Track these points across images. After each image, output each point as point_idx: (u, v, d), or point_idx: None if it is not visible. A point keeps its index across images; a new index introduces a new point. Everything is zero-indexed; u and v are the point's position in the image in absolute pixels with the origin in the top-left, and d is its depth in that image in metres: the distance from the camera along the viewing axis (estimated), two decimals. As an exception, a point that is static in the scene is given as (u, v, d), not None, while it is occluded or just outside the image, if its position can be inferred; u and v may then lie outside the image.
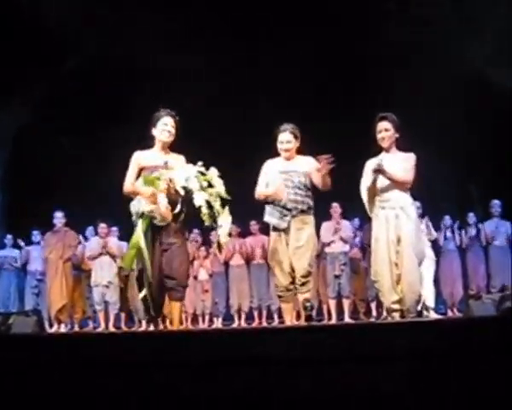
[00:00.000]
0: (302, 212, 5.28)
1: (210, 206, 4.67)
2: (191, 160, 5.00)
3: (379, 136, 5.34)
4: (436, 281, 9.00)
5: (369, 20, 9.88)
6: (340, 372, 3.51)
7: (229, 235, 5.22)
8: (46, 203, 9.62)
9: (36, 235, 9.74)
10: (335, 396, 3.45)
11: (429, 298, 8.49)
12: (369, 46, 9.97)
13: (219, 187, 4.75)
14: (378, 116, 5.37)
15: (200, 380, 3.66)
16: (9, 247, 10.00)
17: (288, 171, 5.32)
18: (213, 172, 4.73)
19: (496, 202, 9.68)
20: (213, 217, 4.72)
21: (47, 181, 10.50)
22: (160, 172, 4.68)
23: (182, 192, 4.64)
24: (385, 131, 5.31)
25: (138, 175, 4.89)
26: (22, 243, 9.81)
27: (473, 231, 9.68)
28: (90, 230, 9.89)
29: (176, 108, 5.12)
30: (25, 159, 10.43)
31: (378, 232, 5.26)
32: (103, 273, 9.17)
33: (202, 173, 4.71)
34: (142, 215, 4.72)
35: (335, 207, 9.16)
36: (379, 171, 5.16)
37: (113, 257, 9.26)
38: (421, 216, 8.42)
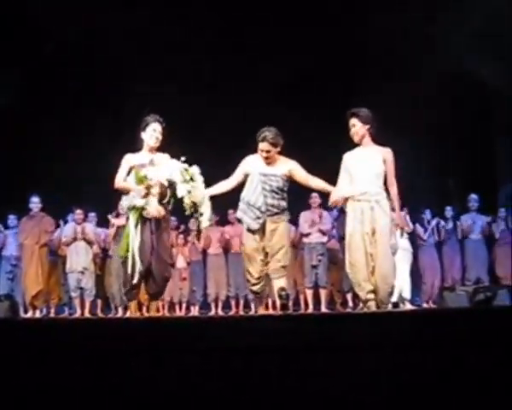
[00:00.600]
0: (276, 214, 5.49)
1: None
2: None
3: (350, 133, 5.48)
4: (413, 273, 9.05)
5: (355, 8, 9.87)
6: (314, 361, 3.53)
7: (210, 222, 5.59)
8: (22, 189, 9.52)
9: (12, 219, 9.60)
10: (309, 385, 3.47)
11: (405, 290, 8.54)
12: (355, 34, 9.98)
13: (200, 183, 5.21)
14: (347, 113, 5.49)
15: (174, 367, 3.66)
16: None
17: (267, 174, 5.51)
18: (195, 170, 5.20)
19: (473, 197, 9.77)
20: (194, 206, 5.20)
21: (23, 166, 10.40)
22: (147, 168, 5.23)
23: (166, 183, 5.18)
24: (353, 127, 5.44)
25: (128, 173, 5.40)
26: (1, 227, 9.72)
27: (450, 225, 9.78)
28: (71, 215, 9.82)
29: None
30: (1, 144, 10.30)
31: (353, 224, 5.32)
32: (79, 259, 9.10)
33: (185, 169, 5.16)
34: (133, 208, 5.22)
35: (315, 198, 9.17)
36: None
37: (89, 243, 9.20)
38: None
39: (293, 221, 9.25)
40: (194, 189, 5.13)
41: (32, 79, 10.27)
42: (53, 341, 3.51)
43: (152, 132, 5.42)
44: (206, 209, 5.20)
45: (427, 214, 9.78)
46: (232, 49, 10.25)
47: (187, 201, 5.12)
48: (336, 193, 5.41)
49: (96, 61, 10.24)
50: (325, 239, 9.19)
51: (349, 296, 9.05)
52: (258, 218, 5.40)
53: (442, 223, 9.78)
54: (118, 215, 8.97)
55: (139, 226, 5.18)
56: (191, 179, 5.14)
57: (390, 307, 5.43)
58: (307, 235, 9.11)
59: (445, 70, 9.88)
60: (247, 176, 5.58)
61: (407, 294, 8.52)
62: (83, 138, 10.28)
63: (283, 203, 5.52)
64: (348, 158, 5.46)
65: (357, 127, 5.40)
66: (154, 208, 5.17)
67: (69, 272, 9.13)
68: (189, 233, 9.75)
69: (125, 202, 5.30)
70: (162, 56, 10.19)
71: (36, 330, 3.73)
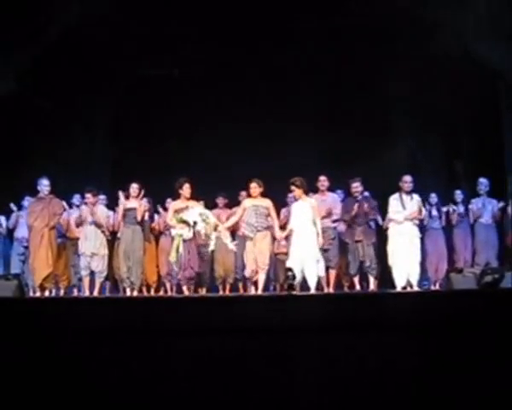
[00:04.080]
0: (264, 228, 8.37)
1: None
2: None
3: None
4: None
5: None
6: (318, 340, 3.53)
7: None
8: (30, 171, 9.55)
9: (28, 200, 9.58)
10: (315, 362, 3.48)
11: (413, 275, 8.53)
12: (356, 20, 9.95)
13: (211, 222, 8.04)
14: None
15: (181, 345, 3.68)
16: (-6, 213, 9.94)
17: (256, 205, 8.43)
18: (211, 219, 8.08)
19: (482, 181, 9.73)
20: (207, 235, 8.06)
21: (33, 149, 10.46)
22: (183, 212, 8.14)
23: (191, 223, 8.01)
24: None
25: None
26: (15, 208, 9.74)
27: (461, 208, 9.77)
28: (77, 197, 9.84)
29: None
30: (10, 127, 10.33)
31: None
32: (88, 243, 9.14)
33: (201, 213, 8.06)
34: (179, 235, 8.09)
35: (323, 181, 9.17)
36: None
37: (99, 226, 9.23)
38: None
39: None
40: (207, 225, 7.96)
41: (38, 62, 10.28)
42: (59, 318, 3.53)
43: (187, 189, 8.39)
44: (213, 238, 8.00)
45: (433, 198, 9.76)
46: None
47: (203, 231, 7.96)
48: None
49: (106, 43, 10.26)
50: (336, 223, 9.20)
51: (356, 279, 9.05)
52: (252, 231, 8.44)
53: (453, 207, 9.76)
54: (127, 197, 9.02)
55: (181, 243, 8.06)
56: (206, 218, 8.02)
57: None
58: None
59: (455, 54, 9.83)
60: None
61: (414, 279, 8.51)
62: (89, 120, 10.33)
63: (267, 223, 8.45)
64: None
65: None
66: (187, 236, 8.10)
67: (80, 254, 9.20)
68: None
69: (173, 231, 8.20)
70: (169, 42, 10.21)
71: (43, 308, 3.75)
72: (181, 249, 8.04)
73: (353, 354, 3.60)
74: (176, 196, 8.56)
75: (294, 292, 5.29)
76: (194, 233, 8.08)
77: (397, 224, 8.59)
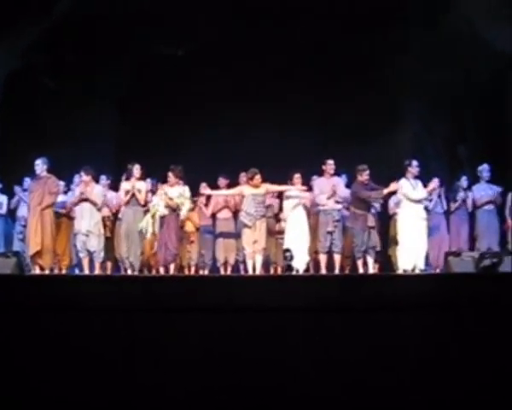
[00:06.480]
0: (262, 216, 8.69)
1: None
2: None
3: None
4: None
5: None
6: (314, 321, 3.53)
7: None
8: (37, 150, 9.54)
9: (28, 182, 9.65)
10: (309, 342, 3.48)
11: (420, 259, 8.57)
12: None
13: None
14: None
15: (179, 324, 3.68)
16: (-5, 193, 9.97)
17: (256, 194, 8.75)
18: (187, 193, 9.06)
19: (485, 167, 9.69)
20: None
21: (38, 128, 10.45)
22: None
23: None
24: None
25: None
26: (18, 189, 9.77)
27: (461, 194, 9.72)
28: (77, 177, 9.83)
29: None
30: (15, 106, 10.31)
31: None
32: (83, 222, 9.10)
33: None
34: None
35: (330, 165, 9.16)
36: None
37: (95, 205, 9.18)
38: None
39: (308, 186, 9.30)
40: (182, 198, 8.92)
41: (44, 38, 10.25)
42: (56, 295, 3.54)
43: (170, 174, 9.00)
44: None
45: (437, 182, 9.74)
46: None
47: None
48: None
49: (113, 19, 10.24)
50: (340, 206, 9.20)
51: (360, 263, 9.04)
52: (251, 220, 8.76)
53: (464, 193, 9.72)
54: (128, 178, 9.03)
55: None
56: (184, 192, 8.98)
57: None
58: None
59: (464, 37, 9.78)
60: None
61: (421, 262, 8.55)
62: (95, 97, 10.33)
63: (264, 211, 8.92)
64: None
65: None
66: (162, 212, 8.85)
67: (75, 233, 9.19)
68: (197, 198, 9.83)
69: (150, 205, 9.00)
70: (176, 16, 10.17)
71: (39, 285, 3.77)
72: (157, 228, 8.70)
73: (351, 334, 3.61)
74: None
75: (293, 272, 5.35)
76: (174, 212, 8.74)
77: (408, 206, 8.63)
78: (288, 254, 5.15)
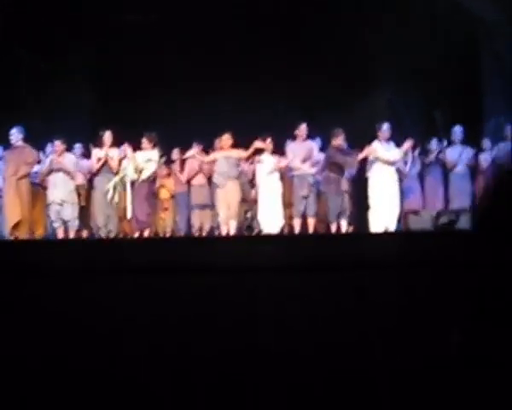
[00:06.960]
0: (234, 178, 8.72)
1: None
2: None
3: None
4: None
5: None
6: (274, 280, 3.58)
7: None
8: (9, 120, 9.45)
9: (1, 151, 9.52)
10: (267, 302, 3.53)
11: (394, 219, 8.69)
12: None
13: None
14: None
15: (152, 284, 3.72)
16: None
17: (228, 156, 8.84)
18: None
19: (457, 128, 9.73)
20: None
21: (11, 98, 10.36)
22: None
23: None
24: None
25: None
26: None
27: (433, 157, 9.77)
28: (50, 146, 9.75)
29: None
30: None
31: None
32: (56, 191, 9.06)
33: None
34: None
35: (303, 130, 9.17)
36: None
37: (68, 174, 9.15)
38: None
39: (280, 150, 9.31)
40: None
41: (18, 7, 10.13)
42: (29, 260, 3.56)
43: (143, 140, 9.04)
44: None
45: (411, 142, 9.76)
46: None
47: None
48: None
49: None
50: (315, 170, 9.22)
51: (333, 226, 9.11)
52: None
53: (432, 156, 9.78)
54: (98, 145, 9.08)
55: None
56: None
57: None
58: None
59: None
60: None
61: (394, 224, 8.66)
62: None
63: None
64: None
65: None
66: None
67: (48, 203, 9.14)
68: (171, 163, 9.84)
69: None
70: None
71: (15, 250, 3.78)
72: (128, 194, 8.84)
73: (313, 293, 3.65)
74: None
75: (253, 233, 5.41)
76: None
77: (380, 168, 8.70)
78: (248, 215, 5.20)
